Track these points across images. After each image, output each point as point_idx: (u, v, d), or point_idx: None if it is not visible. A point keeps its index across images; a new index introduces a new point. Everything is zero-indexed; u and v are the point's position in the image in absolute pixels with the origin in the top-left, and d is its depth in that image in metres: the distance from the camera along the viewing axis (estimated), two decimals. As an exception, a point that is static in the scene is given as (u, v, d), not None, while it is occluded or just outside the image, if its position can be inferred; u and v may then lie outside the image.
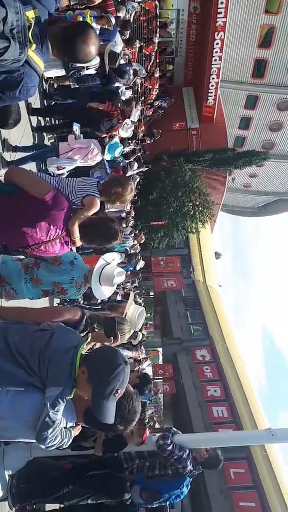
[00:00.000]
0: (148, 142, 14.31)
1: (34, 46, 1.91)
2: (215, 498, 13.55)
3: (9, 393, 1.90)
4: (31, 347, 1.96)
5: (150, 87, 18.39)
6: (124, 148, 8.55)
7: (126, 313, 3.52)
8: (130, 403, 2.05)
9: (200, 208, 19.29)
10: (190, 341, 20.26)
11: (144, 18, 17.02)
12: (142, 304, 13.63)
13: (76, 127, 6.08)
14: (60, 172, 5.84)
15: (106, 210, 6.15)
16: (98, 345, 2.50)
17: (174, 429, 4.09)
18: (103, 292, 3.03)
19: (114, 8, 7.88)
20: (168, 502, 4.29)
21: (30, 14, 1.85)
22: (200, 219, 19.49)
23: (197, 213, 19.39)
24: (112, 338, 2.59)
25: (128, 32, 8.59)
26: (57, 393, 1.88)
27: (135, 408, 2.07)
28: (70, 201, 2.92)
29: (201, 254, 23.55)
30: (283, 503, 13.47)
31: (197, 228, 19.91)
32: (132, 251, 10.09)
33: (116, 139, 6.60)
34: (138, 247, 11.57)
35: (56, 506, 4.66)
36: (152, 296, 24.88)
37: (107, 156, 6.55)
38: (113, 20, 6.68)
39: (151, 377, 15.73)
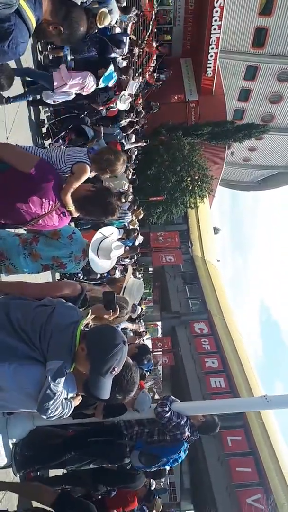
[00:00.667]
0: (146, 114, 14.08)
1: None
2: (212, 464, 14.06)
3: (11, 366, 1.96)
4: (33, 322, 2.01)
5: (148, 56, 17.94)
6: (121, 120, 8.45)
7: (124, 287, 3.57)
8: (128, 373, 2.11)
9: (199, 183, 19.13)
10: (188, 314, 20.55)
11: (140, -16, 16.41)
12: (141, 279, 13.73)
13: (67, 52, 5.94)
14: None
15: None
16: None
17: (173, 397, 4.22)
18: (102, 265, 3.06)
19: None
20: (166, 466, 4.48)
21: None
22: (199, 194, 19.37)
23: (195, 188, 19.24)
24: (111, 311, 2.64)
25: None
26: (58, 366, 1.94)
27: (133, 379, 2.13)
28: (60, 170, 2.87)
29: (199, 229, 23.56)
30: (278, 468, 14.00)
31: (196, 203, 19.81)
32: (131, 227, 10.08)
33: (111, 68, 6.40)
34: (137, 222, 11.55)
35: (59, 472, 4.87)
36: (151, 272, 25.03)
37: (102, 85, 6.38)
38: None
39: (150, 349, 16.04)
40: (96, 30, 6.64)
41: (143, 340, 7.74)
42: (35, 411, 2.04)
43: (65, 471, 4.74)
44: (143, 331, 8.19)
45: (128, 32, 9.67)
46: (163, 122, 19.88)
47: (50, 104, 7.28)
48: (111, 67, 6.44)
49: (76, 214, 2.81)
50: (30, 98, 6.37)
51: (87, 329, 2.11)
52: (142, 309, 9.26)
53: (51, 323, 2.01)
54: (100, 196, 2.79)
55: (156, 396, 20.30)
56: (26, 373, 1.97)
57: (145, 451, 4.25)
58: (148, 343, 13.64)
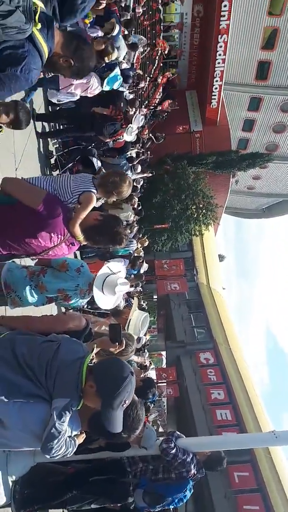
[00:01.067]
0: (152, 144, 14.36)
1: (39, 25, 1.91)
2: (219, 502, 13.51)
3: (16, 404, 1.94)
4: (39, 358, 2.00)
5: (154, 88, 18.48)
6: (127, 151, 8.61)
7: (130, 319, 3.54)
8: (134, 411, 2.08)
9: (204, 211, 19.29)
10: (193, 344, 20.25)
11: (147, 22, 17.11)
12: (146, 308, 13.64)
13: None
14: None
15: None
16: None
17: (178, 432, 4.10)
18: (105, 301, 3.04)
19: (116, 8, 7.92)
20: (171, 506, 4.30)
21: (37, 2, 1.89)
22: (204, 222, 19.49)
23: (200, 215, 19.39)
24: (117, 344, 2.61)
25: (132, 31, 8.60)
26: (64, 404, 1.92)
27: (139, 416, 2.11)
28: (67, 202, 2.89)
29: (204, 257, 23.56)
30: (287, 505, 13.42)
31: (201, 230, 19.91)
32: (136, 255, 10.11)
33: (116, 71, 6.42)
34: (142, 250, 11.59)
35: (59, 511, 4.68)
36: (155, 300, 24.86)
37: (106, 88, 6.43)
38: (118, 28, 6.71)
39: (155, 380, 15.74)
40: (104, 64, 6.86)
41: (148, 374, 7.60)
42: (38, 448, 2.00)
43: (65, 510, 4.56)
44: (148, 364, 8.06)
45: (135, 65, 10.01)
46: (168, 152, 20.25)
47: (59, 135, 7.49)
48: (117, 70, 6.50)
49: (85, 242, 2.83)
50: (33, 96, 6.28)
51: (93, 364, 2.09)
52: (146, 339, 9.16)
53: (57, 359, 2.00)
54: (107, 225, 2.80)
55: (160, 429, 19.81)
56: (31, 411, 1.95)
57: (149, 489, 4.10)
58: (153, 373, 13.40)
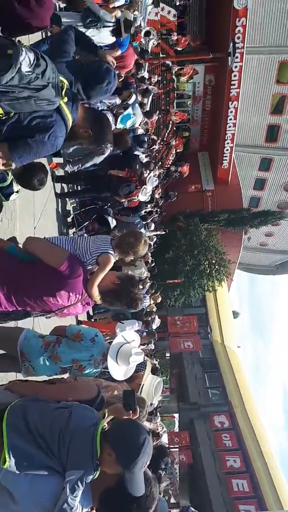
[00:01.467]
0: (165, 202, 14.76)
1: (66, 99, 2.20)
2: None
3: (27, 476, 1.85)
4: (51, 426, 1.94)
5: (167, 150, 19.33)
6: (142, 210, 8.81)
7: (143, 385, 3.42)
8: (148, 489, 1.97)
9: (217, 267, 19.30)
10: (208, 406, 19.33)
11: (162, 91, 18.26)
12: (158, 367, 13.27)
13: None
14: None
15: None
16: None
17: (192, 508, 3.80)
18: (119, 371, 2.98)
19: (134, 80, 8.48)
20: None
21: (64, 80, 2.20)
22: (217, 278, 19.43)
23: (213, 271, 19.37)
24: (131, 412, 2.51)
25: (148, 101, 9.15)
26: (78, 476, 1.84)
27: (153, 494, 2.00)
28: (86, 262, 2.98)
29: (218, 313, 23.18)
30: None
31: (214, 286, 19.79)
32: (148, 310, 10.03)
33: (129, 110, 6.63)
34: (154, 306, 11.50)
35: None
36: (168, 358, 24.19)
37: (119, 126, 6.62)
38: (134, 97, 7.14)
39: (167, 445, 14.91)
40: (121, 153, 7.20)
41: (160, 442, 7.23)
42: None
43: None
44: (161, 430, 7.68)
45: (150, 129, 10.55)
46: (181, 210, 20.71)
47: (77, 196, 7.75)
48: (130, 110, 6.80)
49: (100, 302, 2.91)
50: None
51: (106, 429, 2.00)
52: (158, 401, 8.81)
53: (70, 428, 1.93)
54: (124, 289, 2.87)
55: (172, 500, 18.43)
56: (43, 485, 1.86)
57: None
58: (165, 437, 12.71)
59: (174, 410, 24.70)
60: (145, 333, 9.23)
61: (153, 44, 12.26)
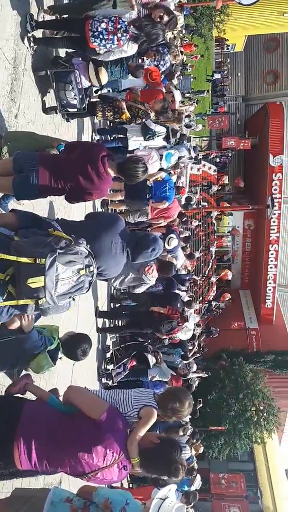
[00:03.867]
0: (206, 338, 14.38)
1: None
2: None
3: None
4: None
5: (208, 287, 19.65)
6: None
7: None
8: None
9: (265, 415, 17.49)
10: None
11: (203, 233, 19.47)
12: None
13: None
14: None
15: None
16: None
17: None
18: None
19: (176, 227, 9.10)
20: None
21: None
22: (266, 427, 17.45)
23: (261, 419, 17.51)
24: None
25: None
26: None
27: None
28: (126, 414, 2.79)
29: (269, 472, 20.05)
30: None
31: (263, 438, 17.65)
32: (190, 466, 8.89)
33: (171, 151, 7.00)
34: (195, 459, 10.24)
35: None
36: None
37: (164, 164, 6.91)
38: (177, 241, 7.57)
39: None
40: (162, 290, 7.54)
41: None
42: None
43: None
44: None
45: (190, 269, 10.90)
46: (223, 347, 19.98)
47: (118, 331, 7.73)
48: (172, 151, 7.10)
49: (138, 469, 2.60)
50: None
51: None
52: None
53: None
54: (165, 451, 2.58)
55: None
56: None
57: None
58: None
59: None
60: (182, 493, 8.05)
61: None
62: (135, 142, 6.45)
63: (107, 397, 2.88)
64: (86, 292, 2.46)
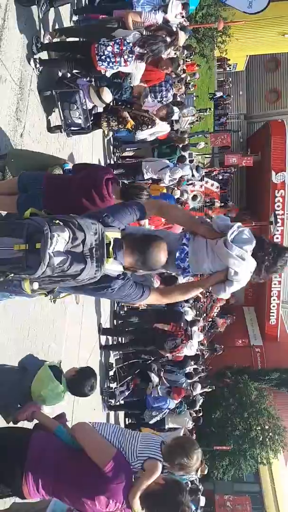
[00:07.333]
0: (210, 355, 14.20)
1: (110, 260, 2.23)
2: None
3: None
4: None
5: (211, 304, 19.48)
6: (187, 366, 8.44)
7: None
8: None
9: (270, 434, 17.14)
10: None
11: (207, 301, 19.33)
12: None
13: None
14: None
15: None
16: None
17: None
18: None
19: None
20: None
21: (110, 234, 2.26)
22: (271, 447, 17.07)
23: (266, 439, 17.15)
24: None
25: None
26: None
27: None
28: (130, 465, 2.70)
29: (275, 494, 19.51)
30: None
31: (268, 458, 17.26)
32: (193, 477, 8.67)
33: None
34: (198, 480, 10.00)
35: None
36: None
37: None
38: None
39: None
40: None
41: None
42: None
43: None
44: None
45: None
46: (228, 365, 19.74)
47: (121, 349, 7.67)
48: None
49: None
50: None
51: None
52: None
53: None
54: (169, 493, 2.51)
55: None
56: None
57: None
58: None
59: None
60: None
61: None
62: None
63: (114, 438, 2.76)
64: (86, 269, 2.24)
